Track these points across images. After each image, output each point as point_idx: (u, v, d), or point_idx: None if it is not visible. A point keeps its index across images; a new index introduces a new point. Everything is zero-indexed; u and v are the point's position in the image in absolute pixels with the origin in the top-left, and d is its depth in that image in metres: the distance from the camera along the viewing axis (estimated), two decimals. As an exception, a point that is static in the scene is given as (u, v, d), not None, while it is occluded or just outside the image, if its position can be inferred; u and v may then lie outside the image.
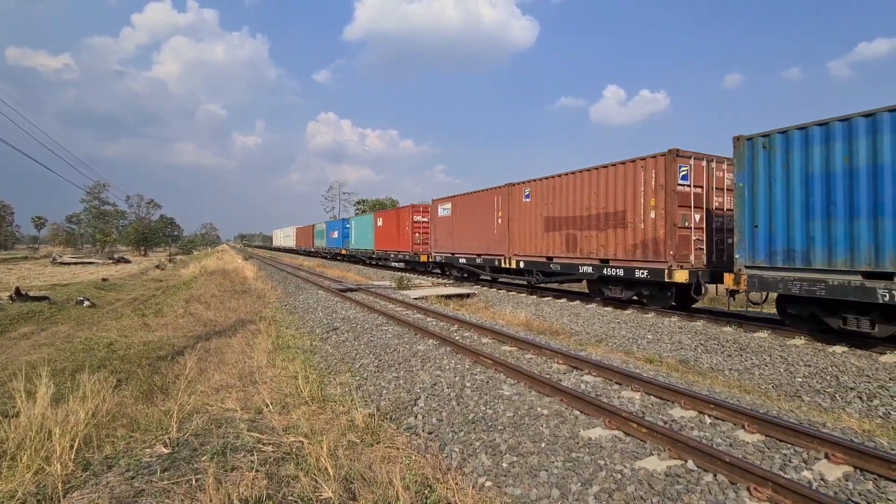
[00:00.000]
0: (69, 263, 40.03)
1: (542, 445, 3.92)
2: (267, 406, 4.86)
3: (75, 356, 7.86)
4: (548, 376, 5.66)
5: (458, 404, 4.95)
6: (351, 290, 14.73)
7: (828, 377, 6.26)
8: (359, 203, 70.51)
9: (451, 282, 18.51)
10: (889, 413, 5.34)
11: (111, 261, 45.63)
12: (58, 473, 3.31)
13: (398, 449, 3.99)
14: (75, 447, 3.71)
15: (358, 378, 6.24)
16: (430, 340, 7.64)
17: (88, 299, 16.57)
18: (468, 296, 14.49)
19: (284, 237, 66.69)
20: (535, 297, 13.64)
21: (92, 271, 32.28)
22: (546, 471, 3.54)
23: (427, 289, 15.27)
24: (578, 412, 4.55)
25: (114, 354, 7.95)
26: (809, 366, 6.62)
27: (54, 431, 3.68)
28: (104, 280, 24.28)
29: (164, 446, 3.84)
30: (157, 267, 39.00)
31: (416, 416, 4.78)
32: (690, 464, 3.52)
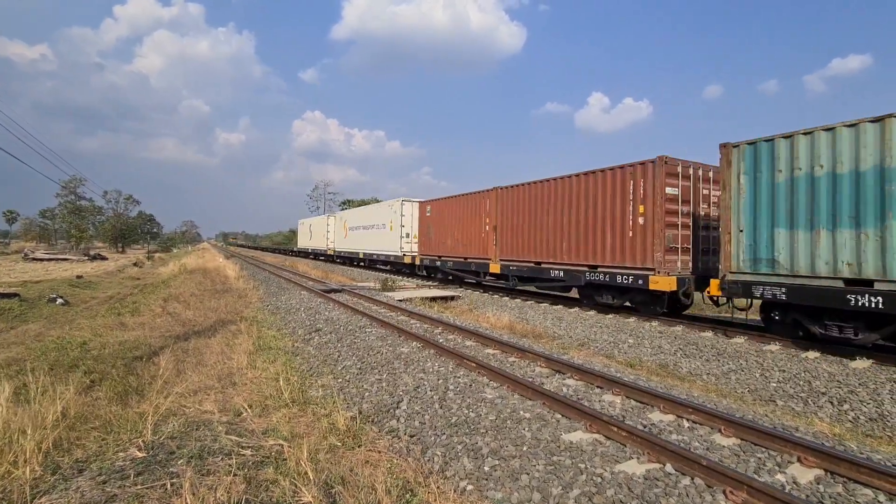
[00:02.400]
0: (42, 260, 38.73)
1: (524, 449, 3.93)
2: (246, 408, 4.77)
3: (46, 356, 7.59)
4: (530, 380, 5.69)
5: (441, 407, 4.94)
6: (334, 290, 14.60)
7: (801, 382, 6.44)
8: (344, 203, 69.99)
9: (435, 284, 18.50)
10: (858, 417, 5.52)
11: (87, 258, 44.27)
12: (25, 477, 3.19)
13: (380, 452, 3.96)
14: (44, 450, 3.58)
15: (340, 380, 6.17)
16: (414, 343, 7.62)
17: (62, 297, 16.06)
18: (453, 298, 14.50)
19: (345, 234, 30.17)
20: (519, 300, 13.72)
21: (66, 268, 31.29)
22: (528, 474, 3.55)
23: (411, 291, 15.23)
24: (560, 416, 4.59)
25: (87, 354, 7.70)
26: (784, 371, 6.80)
27: (22, 434, 3.55)
28: (79, 277, 23.56)
29: (139, 449, 3.73)
30: (135, 264, 38.01)
31: (398, 420, 4.76)
32: (669, 467, 3.58)
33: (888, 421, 5.35)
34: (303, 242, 43.68)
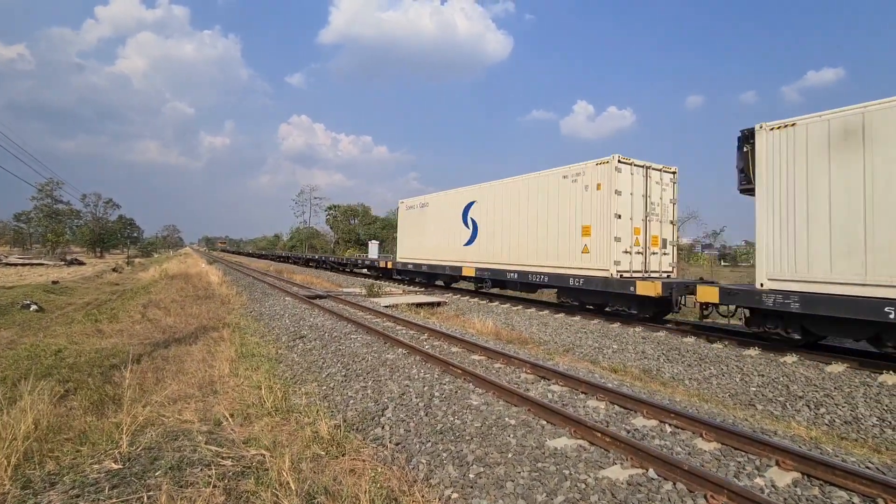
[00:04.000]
0: (16, 265, 37.52)
1: (509, 456, 3.93)
2: (227, 418, 4.68)
3: (18, 364, 7.34)
4: (516, 386, 5.70)
5: (427, 415, 4.91)
6: (320, 296, 14.45)
7: (779, 387, 6.58)
8: (330, 208, 69.42)
9: (421, 289, 18.44)
10: (834, 421, 5.65)
11: (63, 262, 43.05)
12: (-7, 492, 3.07)
13: (364, 461, 3.92)
14: (13, 463, 3.46)
15: (324, 388, 6.10)
16: (400, 349, 7.58)
17: (36, 303, 15.58)
18: (439, 304, 14.48)
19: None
20: (505, 306, 13.75)
21: (41, 273, 30.36)
22: (512, 481, 3.55)
23: (397, 297, 15.16)
24: (545, 422, 4.60)
25: (62, 362, 7.48)
26: (763, 375, 6.94)
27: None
28: (54, 283, 22.89)
29: (114, 461, 3.63)
30: (114, 270, 37.13)
31: (383, 427, 4.72)
32: (651, 472, 3.61)
33: (862, 424, 5.50)
34: (417, 248, 19.64)
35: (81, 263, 44.21)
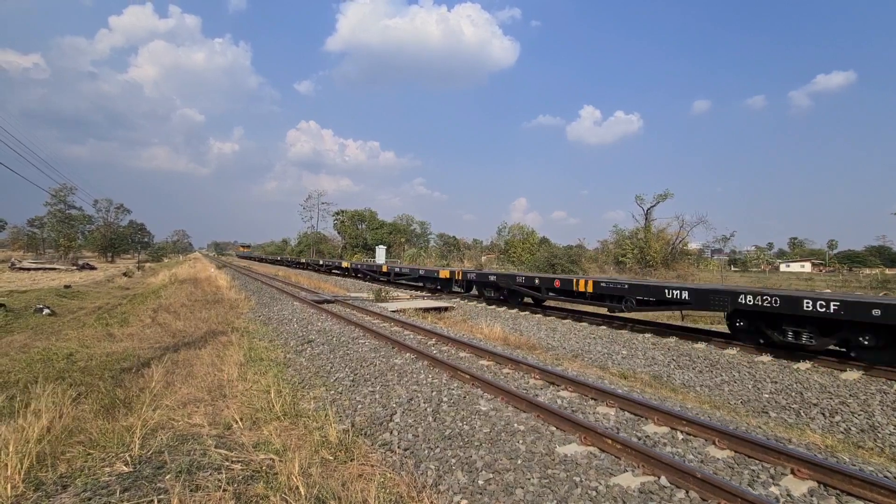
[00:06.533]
0: (29, 269, 38.14)
1: (519, 462, 3.90)
2: (237, 421, 4.69)
3: (31, 367, 7.44)
4: (524, 392, 5.67)
5: (435, 420, 4.89)
6: (327, 301, 14.50)
7: (793, 394, 6.47)
8: (337, 214, 69.79)
9: (429, 294, 18.45)
10: (849, 429, 5.55)
11: (75, 267, 43.66)
12: (7, 494, 3.10)
13: (373, 466, 3.90)
14: (26, 466, 3.49)
15: (332, 392, 6.10)
16: (408, 354, 7.57)
17: (48, 307, 15.80)
18: (446, 309, 14.46)
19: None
20: (513, 311, 13.71)
21: (54, 278, 30.82)
22: (522, 488, 3.52)
23: (405, 301, 15.18)
24: (555, 428, 4.56)
25: (74, 366, 7.56)
26: (776, 382, 6.83)
27: (4, 449, 3.46)
28: (67, 287, 23.21)
29: (125, 464, 3.65)
30: (125, 274, 37.59)
31: (391, 432, 4.70)
32: (663, 480, 3.56)
33: (879, 432, 5.39)
34: None
35: (93, 268, 44.79)
